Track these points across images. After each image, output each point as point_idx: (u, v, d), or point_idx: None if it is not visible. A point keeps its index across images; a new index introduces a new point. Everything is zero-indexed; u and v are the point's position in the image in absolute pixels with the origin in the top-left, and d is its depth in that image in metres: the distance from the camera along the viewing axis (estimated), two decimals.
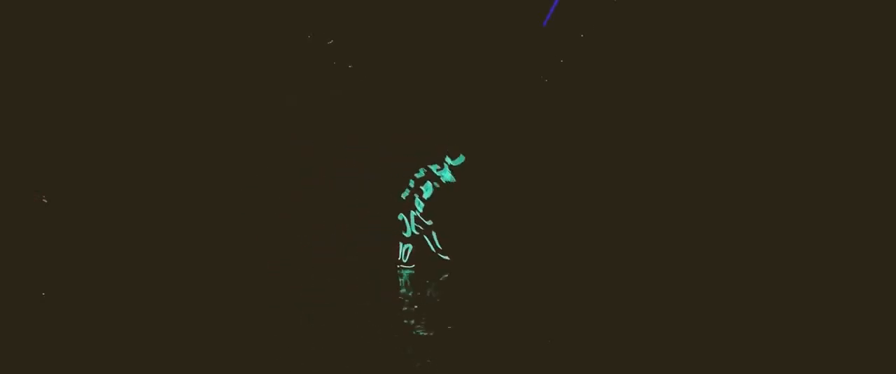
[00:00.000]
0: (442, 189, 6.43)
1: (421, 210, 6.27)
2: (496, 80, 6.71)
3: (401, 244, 6.23)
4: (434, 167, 6.28)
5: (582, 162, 6.53)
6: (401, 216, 6.32)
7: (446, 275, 5.95)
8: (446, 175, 6.28)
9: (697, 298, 4.41)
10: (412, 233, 6.25)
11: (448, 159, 6.30)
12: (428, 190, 6.36)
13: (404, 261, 6.12)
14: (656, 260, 5.54)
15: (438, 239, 6.31)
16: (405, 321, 3.89)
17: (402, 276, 6.06)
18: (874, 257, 4.89)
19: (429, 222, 6.22)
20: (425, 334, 3.48)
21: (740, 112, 5.76)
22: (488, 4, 6.49)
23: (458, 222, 6.72)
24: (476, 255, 6.54)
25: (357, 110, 6.66)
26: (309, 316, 3.85)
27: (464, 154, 6.69)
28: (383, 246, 6.70)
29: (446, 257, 6.29)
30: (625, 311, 4.01)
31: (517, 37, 6.57)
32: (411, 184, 6.37)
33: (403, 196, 6.40)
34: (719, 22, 5.80)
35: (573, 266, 5.87)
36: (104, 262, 5.26)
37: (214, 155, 6.05)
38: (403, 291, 5.48)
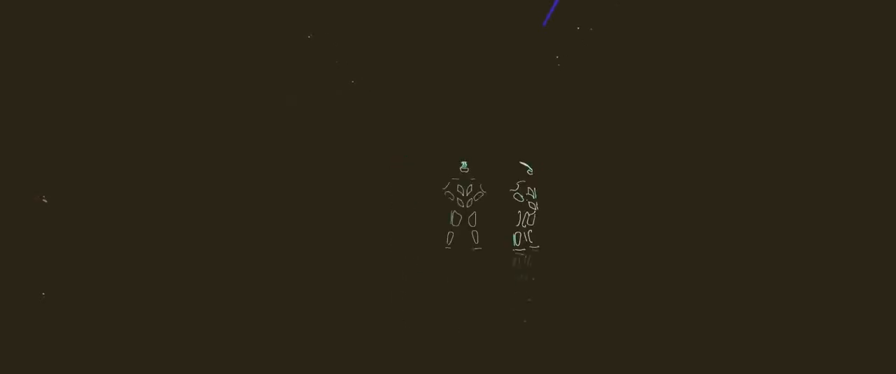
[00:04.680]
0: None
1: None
2: (496, 80, 6.72)
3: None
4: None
5: (582, 162, 6.54)
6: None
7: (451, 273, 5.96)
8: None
9: (698, 297, 4.42)
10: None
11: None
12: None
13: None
14: (657, 259, 5.55)
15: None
16: (408, 321, 3.91)
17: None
18: (874, 256, 4.90)
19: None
20: (431, 331, 3.50)
21: (741, 112, 5.77)
22: (488, 4, 6.50)
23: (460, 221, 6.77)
24: (478, 252, 6.57)
25: (357, 110, 6.67)
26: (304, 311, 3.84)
27: (466, 152, 6.77)
28: (384, 245, 6.72)
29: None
30: (629, 309, 4.03)
31: (517, 37, 6.58)
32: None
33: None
34: (720, 22, 5.81)
35: (576, 265, 5.88)
36: (105, 261, 5.26)
37: (214, 155, 6.05)
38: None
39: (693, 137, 5.93)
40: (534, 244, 6.56)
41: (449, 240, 6.64)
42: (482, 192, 6.67)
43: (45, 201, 5.30)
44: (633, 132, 6.22)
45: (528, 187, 6.64)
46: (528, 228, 6.58)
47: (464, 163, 6.60)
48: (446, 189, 6.64)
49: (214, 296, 4.52)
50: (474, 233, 6.65)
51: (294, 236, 6.15)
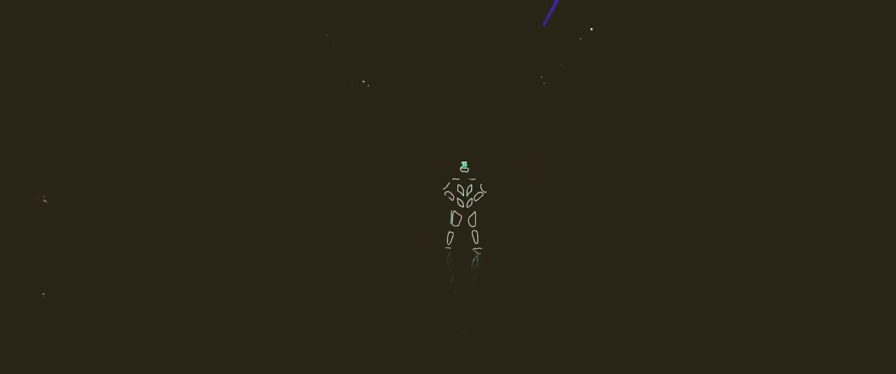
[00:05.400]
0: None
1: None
2: (496, 80, 6.73)
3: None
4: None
5: (582, 161, 6.55)
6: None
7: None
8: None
9: (697, 297, 4.42)
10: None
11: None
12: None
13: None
14: (656, 259, 5.56)
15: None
16: (407, 321, 3.91)
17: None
18: (874, 256, 4.90)
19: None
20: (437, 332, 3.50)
21: (740, 112, 5.77)
22: (488, 5, 6.51)
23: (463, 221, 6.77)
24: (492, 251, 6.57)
25: (357, 111, 6.67)
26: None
27: (466, 153, 6.79)
28: (383, 243, 6.73)
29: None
30: (627, 310, 4.03)
31: (517, 37, 6.59)
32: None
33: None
34: (719, 23, 5.82)
35: (574, 265, 5.88)
36: (106, 261, 5.27)
37: (215, 154, 6.05)
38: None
39: (692, 137, 5.94)
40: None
41: (449, 240, 6.66)
42: (482, 192, 6.70)
43: (45, 201, 5.30)
44: (633, 132, 6.23)
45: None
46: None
47: (464, 163, 6.64)
48: (446, 190, 6.68)
49: (215, 295, 4.53)
50: (474, 233, 6.68)
51: (295, 235, 6.15)
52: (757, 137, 5.67)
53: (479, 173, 6.85)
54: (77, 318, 3.90)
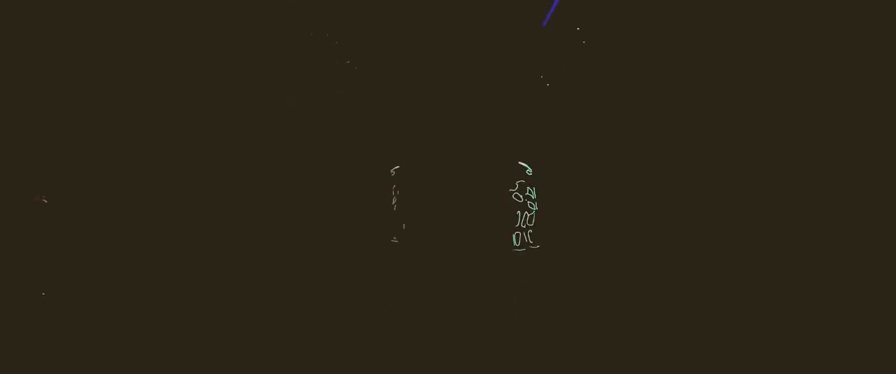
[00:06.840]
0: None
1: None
2: (496, 79, 6.72)
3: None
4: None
5: (581, 161, 6.54)
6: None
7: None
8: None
9: (698, 297, 4.42)
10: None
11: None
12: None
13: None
14: (657, 259, 5.56)
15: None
16: (406, 320, 3.90)
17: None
18: (874, 256, 4.90)
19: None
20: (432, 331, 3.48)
21: (740, 112, 5.77)
22: (488, 5, 6.50)
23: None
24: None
25: (357, 110, 6.67)
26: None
27: (463, 152, 6.77)
28: (383, 244, 6.72)
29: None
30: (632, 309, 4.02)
31: (517, 37, 6.58)
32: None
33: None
34: (718, 23, 5.81)
35: (574, 265, 5.88)
36: (105, 261, 5.27)
37: (214, 155, 6.05)
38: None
39: (693, 137, 5.94)
40: (533, 244, 6.55)
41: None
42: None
43: (45, 201, 5.30)
44: (633, 132, 6.23)
45: (528, 187, 6.65)
46: (528, 228, 6.58)
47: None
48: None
49: (214, 296, 4.52)
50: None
51: (295, 237, 6.15)
52: (757, 137, 5.66)
53: (480, 173, 6.85)
54: (77, 318, 3.90)
